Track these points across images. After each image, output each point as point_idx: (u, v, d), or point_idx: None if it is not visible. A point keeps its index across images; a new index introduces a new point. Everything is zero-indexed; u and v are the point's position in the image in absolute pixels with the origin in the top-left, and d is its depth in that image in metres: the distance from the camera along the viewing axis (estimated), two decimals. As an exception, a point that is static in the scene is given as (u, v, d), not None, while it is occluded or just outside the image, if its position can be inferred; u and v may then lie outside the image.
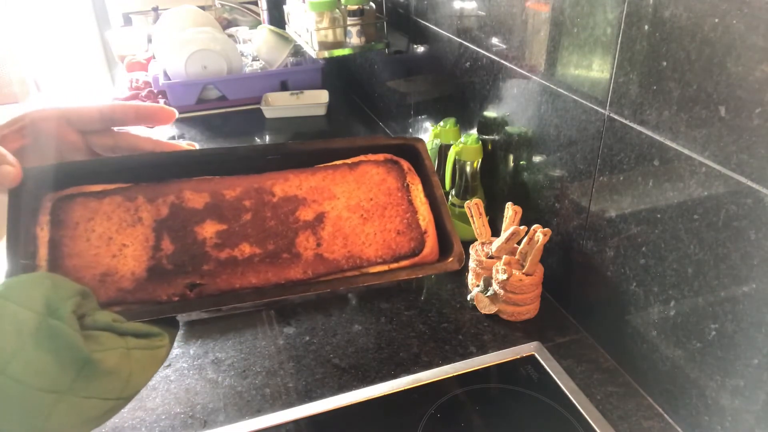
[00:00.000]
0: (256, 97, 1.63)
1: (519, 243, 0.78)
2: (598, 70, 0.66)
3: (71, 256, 0.40)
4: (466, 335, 0.78)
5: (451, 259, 0.45)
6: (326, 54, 1.27)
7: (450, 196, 0.98)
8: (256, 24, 2.09)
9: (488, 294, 0.80)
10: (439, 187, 0.47)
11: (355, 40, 1.27)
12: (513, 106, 0.85)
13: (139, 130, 0.52)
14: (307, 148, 0.48)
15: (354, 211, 0.46)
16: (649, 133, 0.60)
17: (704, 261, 0.56)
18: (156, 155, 0.46)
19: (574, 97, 0.71)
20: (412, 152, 0.49)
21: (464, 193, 0.94)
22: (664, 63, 0.56)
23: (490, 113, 0.92)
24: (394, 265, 0.45)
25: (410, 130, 1.32)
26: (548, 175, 0.80)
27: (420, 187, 0.48)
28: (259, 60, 1.76)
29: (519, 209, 0.79)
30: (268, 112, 1.58)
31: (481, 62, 0.92)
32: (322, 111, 1.60)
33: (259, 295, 0.42)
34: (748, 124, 0.48)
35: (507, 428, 0.64)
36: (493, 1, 0.85)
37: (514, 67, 0.83)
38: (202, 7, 1.92)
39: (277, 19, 1.93)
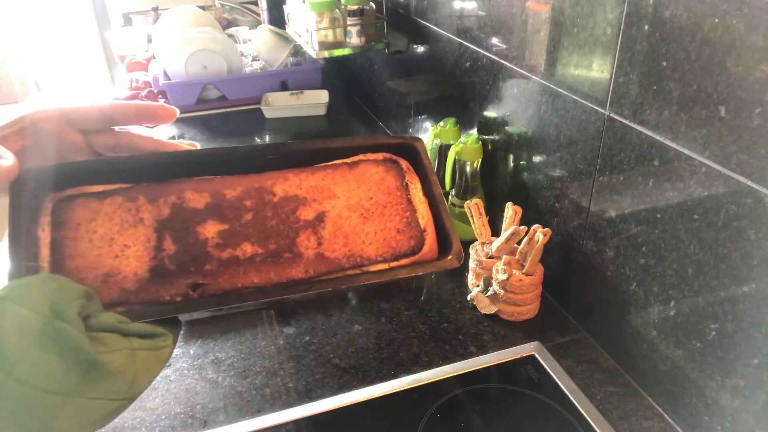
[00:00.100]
0: (256, 97, 1.63)
1: (519, 243, 0.78)
2: (598, 70, 0.66)
3: (73, 257, 0.40)
4: (466, 335, 0.78)
5: (450, 257, 0.45)
6: (326, 54, 1.27)
7: (450, 196, 0.98)
8: (256, 24, 2.09)
9: (488, 294, 0.80)
10: (437, 186, 0.47)
11: (355, 40, 1.27)
12: (513, 106, 0.85)
13: (140, 130, 0.52)
14: (306, 147, 0.48)
15: (354, 210, 0.46)
16: (649, 133, 0.60)
17: (704, 261, 0.56)
18: (156, 155, 0.46)
19: (574, 97, 0.71)
20: (411, 151, 0.49)
21: (464, 193, 0.94)
22: (664, 63, 0.56)
23: (490, 113, 0.92)
24: (395, 264, 0.45)
25: (410, 130, 1.32)
26: (548, 175, 0.80)
27: (419, 186, 0.48)
28: (259, 60, 1.76)
29: (519, 209, 0.79)
30: (268, 112, 1.58)
31: (481, 62, 0.92)
32: (322, 111, 1.60)
33: (262, 294, 0.42)
34: (748, 124, 0.48)
35: (507, 428, 0.64)
36: (493, 1, 0.85)
37: (514, 67, 0.83)
38: (202, 7, 1.92)
39: (277, 19, 1.93)
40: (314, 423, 0.66)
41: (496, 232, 0.85)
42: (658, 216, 0.61)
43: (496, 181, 0.94)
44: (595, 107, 0.67)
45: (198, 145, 0.49)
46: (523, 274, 0.77)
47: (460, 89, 1.01)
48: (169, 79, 1.61)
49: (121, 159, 0.46)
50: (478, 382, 0.70)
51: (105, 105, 0.46)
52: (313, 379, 0.72)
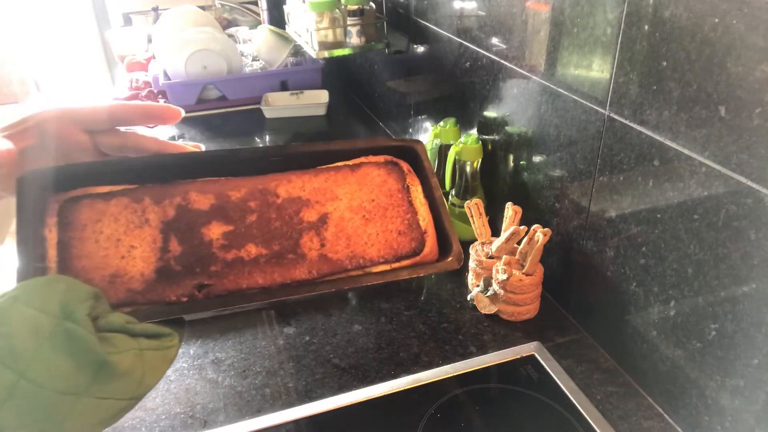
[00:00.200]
0: (256, 97, 1.63)
1: (519, 243, 0.78)
2: (598, 70, 0.66)
3: (80, 258, 0.41)
4: (466, 335, 0.78)
5: (450, 258, 0.46)
6: (326, 54, 1.27)
7: (450, 196, 0.98)
8: (256, 24, 2.09)
9: (488, 294, 0.80)
10: (438, 188, 0.48)
11: (355, 40, 1.27)
12: (513, 106, 0.85)
13: (144, 131, 0.52)
14: (308, 149, 0.49)
15: (356, 212, 0.46)
16: (649, 133, 0.60)
17: (704, 261, 0.56)
18: (161, 157, 0.47)
19: (574, 97, 0.71)
20: (412, 154, 0.50)
21: (464, 193, 0.94)
22: (664, 63, 0.56)
23: (490, 113, 0.92)
24: (396, 265, 0.46)
25: (410, 130, 1.32)
26: (548, 175, 0.80)
27: (419, 188, 0.49)
28: (259, 60, 1.76)
29: (519, 209, 0.79)
30: (268, 112, 1.58)
31: (481, 62, 0.92)
32: (322, 111, 1.60)
33: (266, 295, 0.43)
34: (748, 124, 0.48)
35: (507, 428, 0.64)
36: (493, 1, 0.85)
37: (514, 67, 0.83)
38: (202, 7, 1.92)
39: (277, 19, 1.93)
40: (314, 423, 0.66)
41: (496, 232, 0.85)
42: (658, 216, 0.61)
43: (496, 181, 0.94)
44: (595, 107, 0.67)
45: (203, 147, 0.49)
46: (523, 274, 0.77)
47: (460, 89, 1.01)
48: (169, 79, 1.61)
49: (126, 160, 0.47)
50: (478, 382, 0.70)
51: (110, 105, 0.47)
52: (313, 379, 0.72)
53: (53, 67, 2.82)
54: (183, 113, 0.49)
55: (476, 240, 0.85)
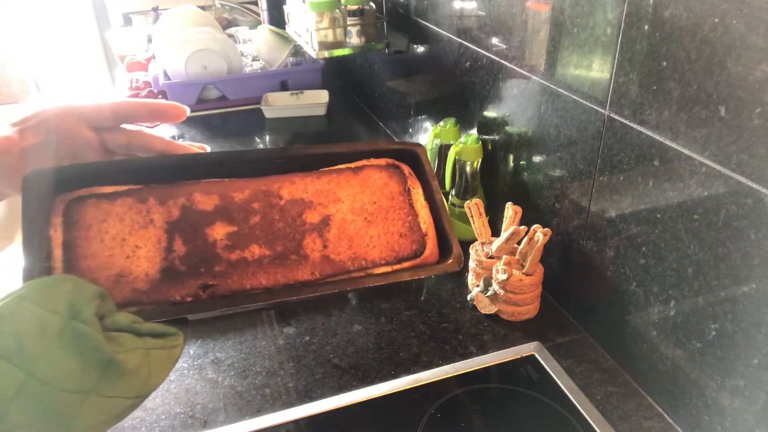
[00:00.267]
0: (256, 97, 1.63)
1: (519, 243, 0.78)
2: (598, 70, 0.66)
3: (86, 257, 0.41)
4: (466, 335, 0.78)
5: (450, 260, 0.47)
6: (326, 54, 1.27)
7: (450, 196, 0.98)
8: (256, 24, 2.09)
9: (488, 294, 0.80)
10: (438, 191, 0.49)
11: (355, 40, 1.27)
12: (513, 106, 0.85)
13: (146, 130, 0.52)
14: (311, 151, 0.49)
15: (358, 214, 0.47)
16: (649, 133, 0.60)
17: (704, 261, 0.56)
18: (165, 158, 0.48)
19: (574, 97, 0.71)
20: (413, 157, 0.51)
21: (464, 193, 0.94)
22: (664, 63, 0.56)
23: (490, 113, 0.92)
24: (397, 267, 0.46)
25: (410, 130, 1.32)
26: (548, 175, 0.80)
27: (420, 191, 0.49)
28: (259, 60, 1.76)
29: (519, 209, 0.79)
30: (268, 112, 1.58)
31: (481, 62, 0.92)
32: (322, 111, 1.60)
33: (270, 295, 0.43)
34: (748, 124, 0.48)
35: (507, 428, 0.64)
36: (493, 1, 0.85)
37: (514, 67, 0.83)
38: (202, 7, 1.92)
39: (277, 19, 1.93)
40: (314, 423, 0.66)
41: (496, 232, 0.85)
42: (658, 216, 0.61)
43: (496, 181, 0.94)
44: (595, 107, 0.67)
45: (208, 148, 0.50)
46: (523, 274, 0.77)
47: (460, 89, 1.01)
48: (169, 79, 1.61)
49: (130, 160, 0.48)
50: (478, 382, 0.70)
51: (117, 102, 0.47)
52: (313, 379, 0.72)
53: (53, 67, 2.82)
54: (188, 111, 0.49)
55: (476, 240, 0.85)
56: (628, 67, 0.61)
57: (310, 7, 1.23)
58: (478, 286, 0.82)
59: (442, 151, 1.00)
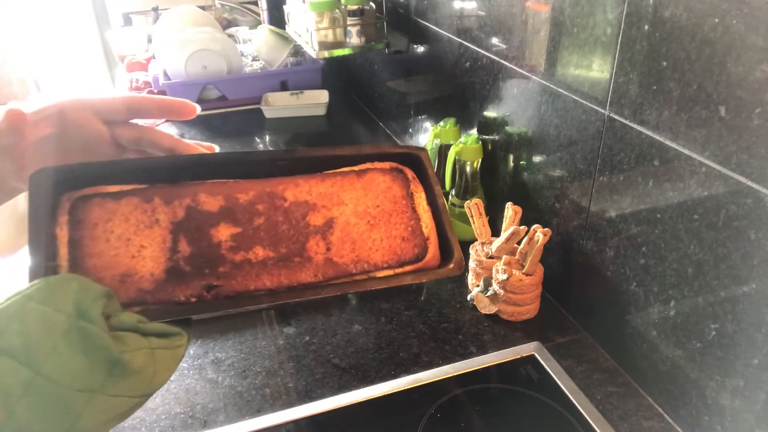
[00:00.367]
0: (256, 97, 1.63)
1: (519, 243, 0.78)
2: (598, 70, 0.66)
3: (91, 256, 0.41)
4: (466, 335, 0.78)
5: (452, 265, 0.47)
6: (326, 54, 1.27)
7: (450, 196, 0.98)
8: (256, 24, 2.09)
9: (488, 294, 0.80)
10: (441, 196, 0.49)
11: (355, 40, 1.27)
12: (513, 106, 0.85)
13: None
14: (315, 154, 0.49)
15: (361, 217, 0.47)
16: (649, 133, 0.60)
17: (704, 261, 0.56)
18: (170, 158, 0.48)
19: (574, 97, 0.71)
20: (416, 161, 0.51)
21: (464, 193, 0.94)
22: (664, 63, 0.56)
23: (490, 113, 0.92)
24: (399, 270, 0.47)
25: (410, 130, 1.32)
26: (548, 175, 0.80)
27: (423, 195, 0.50)
28: (259, 60, 1.76)
29: (519, 209, 0.79)
30: (268, 112, 1.58)
31: (481, 62, 0.92)
32: (322, 111, 1.60)
33: (273, 297, 0.44)
34: (748, 124, 0.48)
35: (507, 428, 0.64)
36: (493, 1, 0.85)
37: (514, 67, 0.83)
38: (202, 7, 1.92)
39: (277, 19, 1.93)
40: (314, 423, 0.66)
41: (496, 232, 0.85)
42: (658, 216, 0.61)
43: (496, 181, 0.94)
44: (595, 107, 0.67)
45: (217, 148, 0.50)
46: (523, 274, 0.77)
47: (460, 89, 1.01)
48: (169, 79, 1.61)
49: (136, 160, 0.48)
50: (478, 382, 0.70)
51: (129, 96, 0.48)
52: (313, 379, 0.72)
53: (53, 67, 2.81)
54: (199, 109, 0.50)
55: (476, 240, 0.85)
56: (628, 67, 0.61)
57: (310, 7, 1.23)
58: (478, 286, 0.82)
59: (442, 151, 1.00)
